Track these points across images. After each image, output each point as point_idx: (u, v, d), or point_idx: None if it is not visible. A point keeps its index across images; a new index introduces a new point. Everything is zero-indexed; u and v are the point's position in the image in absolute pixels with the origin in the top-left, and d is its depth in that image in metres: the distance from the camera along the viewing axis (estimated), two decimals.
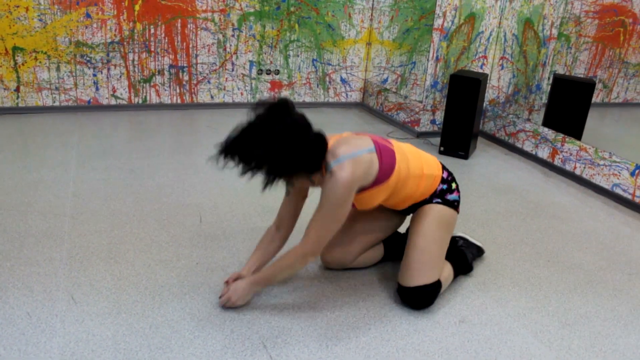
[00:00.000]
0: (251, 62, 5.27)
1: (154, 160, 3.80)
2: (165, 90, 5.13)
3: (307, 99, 5.54)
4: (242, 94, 5.35)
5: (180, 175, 3.55)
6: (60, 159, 3.73)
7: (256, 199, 3.24)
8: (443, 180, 2.27)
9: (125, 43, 4.90)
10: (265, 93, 5.39)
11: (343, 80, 5.60)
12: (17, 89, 4.76)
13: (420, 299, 2.18)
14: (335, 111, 5.49)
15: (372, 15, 5.46)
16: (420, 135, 4.72)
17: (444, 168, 2.32)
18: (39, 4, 4.59)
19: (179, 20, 4.96)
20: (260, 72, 5.32)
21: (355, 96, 5.69)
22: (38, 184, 3.29)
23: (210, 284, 2.33)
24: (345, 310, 2.20)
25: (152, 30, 4.93)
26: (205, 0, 4.95)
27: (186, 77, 5.15)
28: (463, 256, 2.48)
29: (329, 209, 1.98)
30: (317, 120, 4.99)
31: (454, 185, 2.31)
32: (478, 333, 2.11)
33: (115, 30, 4.84)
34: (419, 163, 2.20)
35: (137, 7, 4.83)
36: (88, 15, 4.75)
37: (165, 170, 3.62)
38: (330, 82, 5.56)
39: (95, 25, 4.79)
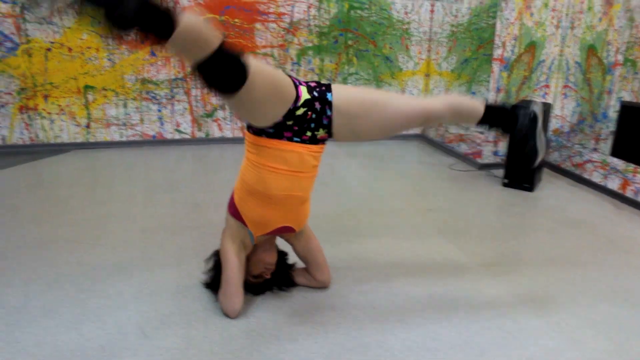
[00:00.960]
0: None
1: (218, 194, 3.86)
2: (227, 124, 5.24)
3: None
4: None
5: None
6: (128, 193, 3.84)
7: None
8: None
9: (188, 79, 5.04)
10: None
11: None
12: (88, 125, 4.95)
13: None
14: (395, 143, 5.47)
15: (429, 46, 5.45)
16: (483, 167, 4.64)
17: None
18: (108, 45, 4.79)
19: None
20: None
21: (415, 128, 5.65)
22: (108, 217, 3.39)
23: (278, 321, 2.32)
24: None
25: None
26: (264, 36, 5.06)
27: None
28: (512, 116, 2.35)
29: None
30: (377, 152, 5.00)
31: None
32: None
33: (179, 67, 5.00)
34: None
35: None
36: (153, 54, 4.92)
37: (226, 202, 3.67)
38: None
39: (159, 63, 4.95)
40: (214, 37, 1.78)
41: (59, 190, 3.91)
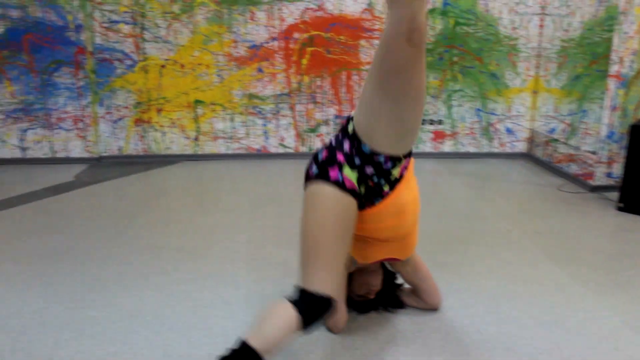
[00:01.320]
0: None
1: None
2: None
3: (471, 149, 5.43)
4: None
5: None
6: (234, 204, 3.96)
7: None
8: None
9: (293, 95, 5.15)
10: (427, 143, 5.37)
11: (508, 130, 5.42)
12: (197, 138, 5.17)
13: None
14: (500, 162, 5.31)
15: (538, 62, 5.27)
16: (595, 189, 4.41)
17: None
18: (218, 62, 4.99)
19: (344, 72, 5.13)
20: (423, 122, 5.31)
21: (520, 146, 5.47)
22: (215, 227, 3.51)
23: (381, 341, 2.30)
24: None
25: (319, 82, 5.14)
26: (369, 52, 5.08)
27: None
28: None
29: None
30: (482, 170, 4.87)
31: None
32: None
33: (284, 82, 5.12)
34: None
35: (304, 61, 5.07)
36: (260, 70, 5.07)
37: None
38: (494, 131, 5.41)
39: (266, 79, 5.10)
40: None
41: (168, 200, 4.10)
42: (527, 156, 5.46)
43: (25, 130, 5.06)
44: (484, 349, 2.23)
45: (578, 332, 2.35)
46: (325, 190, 1.96)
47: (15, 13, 4.76)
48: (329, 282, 1.92)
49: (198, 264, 2.98)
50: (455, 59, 5.18)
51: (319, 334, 2.31)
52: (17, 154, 5.11)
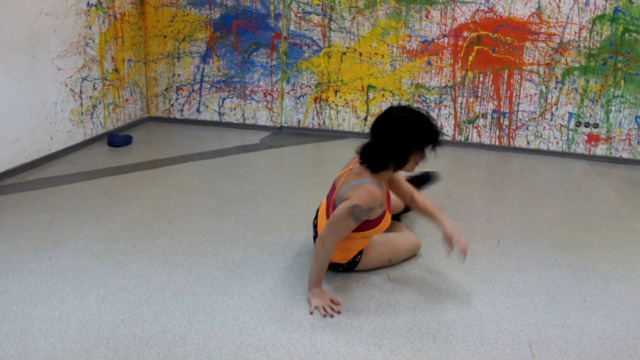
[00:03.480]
0: (570, 113, 5.54)
1: (468, 189, 4.40)
2: (486, 132, 5.72)
3: (625, 155, 5.55)
4: (557, 143, 5.64)
5: (488, 207, 4.08)
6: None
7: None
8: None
9: (456, 88, 5.64)
10: (580, 144, 5.59)
11: None
12: (366, 118, 5.86)
13: None
14: None
15: None
16: None
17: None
18: (392, 53, 5.62)
19: (507, 71, 5.51)
20: (578, 124, 5.55)
21: None
22: None
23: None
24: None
25: (481, 79, 5.57)
26: (532, 54, 5.41)
27: (506, 122, 5.66)
28: None
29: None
30: (632, 177, 5.03)
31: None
32: None
33: (450, 76, 5.61)
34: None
35: (470, 58, 5.53)
36: (429, 63, 5.61)
37: (473, 201, 4.20)
38: None
39: (433, 71, 5.63)
40: None
41: (335, 167, 4.81)
42: None
43: (224, 99, 6.06)
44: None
45: None
46: None
47: (230, 2, 5.74)
48: None
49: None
50: (619, 65, 5.33)
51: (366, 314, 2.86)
52: (216, 117, 6.14)
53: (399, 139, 2.47)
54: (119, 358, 2.16)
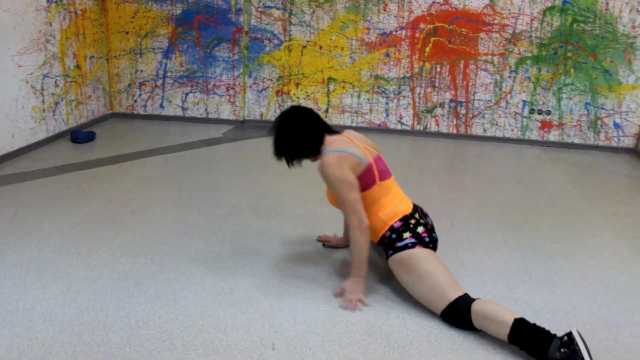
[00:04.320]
0: (524, 101, 5.73)
1: (426, 176, 4.55)
2: (444, 121, 5.89)
3: (576, 140, 5.78)
4: (512, 130, 5.84)
5: (444, 192, 4.24)
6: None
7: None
8: (392, 229, 2.59)
9: (414, 78, 5.78)
10: (534, 131, 5.79)
11: (616, 125, 5.70)
12: (327, 110, 5.97)
13: (451, 320, 2.40)
14: (604, 155, 5.62)
15: None
16: None
17: (405, 218, 2.59)
18: (351, 45, 5.74)
19: (462, 62, 5.68)
20: (532, 111, 5.75)
21: (627, 142, 5.73)
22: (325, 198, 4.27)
23: None
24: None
25: (438, 69, 5.73)
26: (487, 44, 5.59)
27: (463, 111, 5.84)
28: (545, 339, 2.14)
29: (335, 188, 2.50)
30: (583, 161, 5.24)
31: (405, 235, 2.56)
32: None
33: (408, 67, 5.76)
34: (383, 204, 2.60)
35: (427, 49, 5.68)
36: (387, 55, 5.75)
37: (430, 187, 4.35)
38: (602, 126, 5.72)
39: (392, 63, 5.77)
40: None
41: None
42: (633, 152, 5.71)
43: (187, 94, 6.11)
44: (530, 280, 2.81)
45: (618, 293, 2.85)
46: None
47: None
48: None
49: (320, 206, 3.76)
50: (569, 54, 5.54)
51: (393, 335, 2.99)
52: (179, 112, 6.18)
53: None
54: (83, 343, 2.24)
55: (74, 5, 5.37)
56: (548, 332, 2.14)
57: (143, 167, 4.54)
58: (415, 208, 2.70)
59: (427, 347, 2.29)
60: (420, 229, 2.59)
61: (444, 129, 5.92)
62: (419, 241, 2.55)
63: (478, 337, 2.35)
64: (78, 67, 5.53)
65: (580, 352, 2.01)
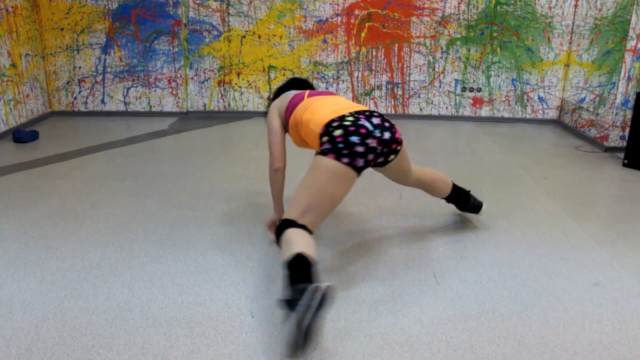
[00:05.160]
0: (456, 80, 6.07)
1: None
2: (382, 102, 6.15)
3: (506, 115, 6.17)
4: (447, 107, 6.17)
5: None
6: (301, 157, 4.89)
7: None
8: (320, 136, 2.54)
9: (352, 63, 6.01)
10: (467, 108, 6.14)
11: (540, 99, 6.12)
12: (269, 97, 6.12)
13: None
14: (532, 127, 6.03)
15: (571, 38, 5.93)
16: (608, 149, 5.11)
17: (329, 123, 2.52)
18: (290, 33, 5.90)
19: (397, 45, 5.94)
20: (464, 89, 6.09)
21: (551, 114, 6.17)
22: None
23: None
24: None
25: (374, 53, 5.98)
26: (419, 27, 5.87)
27: (400, 92, 6.12)
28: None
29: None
30: (513, 133, 5.62)
31: (323, 139, 2.49)
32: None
33: (345, 52, 5.98)
34: (311, 118, 2.62)
35: (363, 34, 5.92)
36: (325, 41, 5.94)
37: None
38: (528, 100, 6.12)
39: (329, 49, 5.97)
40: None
41: (244, 145, 5.07)
42: (557, 122, 6.16)
43: (128, 88, 6.12)
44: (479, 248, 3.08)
45: (552, 245, 3.17)
46: None
47: None
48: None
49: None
50: (495, 34, 5.90)
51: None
52: (122, 107, 6.19)
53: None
54: (69, 327, 2.33)
55: (4, 2, 5.29)
56: (309, 276, 2.12)
57: (93, 162, 4.58)
58: (353, 113, 2.57)
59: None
60: (337, 132, 2.46)
61: (382, 110, 6.19)
62: (332, 147, 2.44)
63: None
64: (14, 65, 5.46)
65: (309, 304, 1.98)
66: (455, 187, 3.27)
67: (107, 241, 3.13)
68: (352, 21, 5.90)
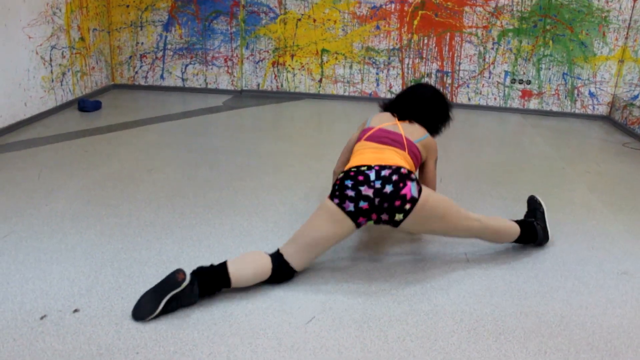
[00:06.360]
0: (506, 72, 6.10)
1: None
2: None
3: (555, 109, 6.17)
4: (495, 99, 6.21)
5: None
6: (341, 134, 5.06)
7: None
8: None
9: (403, 50, 6.12)
10: (515, 100, 6.17)
11: (591, 94, 6.09)
12: (320, 80, 6.29)
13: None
14: (580, 122, 6.02)
15: (627, 33, 5.87)
16: None
17: (348, 170, 2.55)
18: (344, 18, 6.04)
19: (448, 34, 6.02)
20: (513, 81, 6.12)
21: (602, 109, 6.13)
22: (328, 144, 4.62)
23: None
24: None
25: (426, 41, 6.07)
26: (471, 17, 5.92)
27: (449, 81, 6.19)
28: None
29: None
30: (560, 127, 5.64)
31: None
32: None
33: (397, 39, 6.09)
34: (354, 157, 2.69)
35: (415, 22, 6.01)
36: (378, 27, 6.06)
37: None
38: (578, 94, 6.11)
39: (382, 35, 6.09)
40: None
41: (294, 124, 5.26)
42: (607, 119, 6.12)
43: (186, 65, 6.39)
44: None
45: (585, 233, 3.24)
46: None
47: None
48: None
49: (319, 163, 4.11)
50: (548, 27, 5.90)
51: None
52: (179, 83, 6.47)
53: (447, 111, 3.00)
54: (124, 276, 2.58)
55: None
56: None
57: (150, 132, 4.85)
58: (373, 165, 2.53)
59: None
60: (340, 176, 2.55)
61: None
62: (332, 189, 2.54)
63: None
64: (82, 39, 5.78)
65: None
66: (522, 227, 2.90)
67: (160, 203, 3.37)
68: (405, 9, 6.00)
